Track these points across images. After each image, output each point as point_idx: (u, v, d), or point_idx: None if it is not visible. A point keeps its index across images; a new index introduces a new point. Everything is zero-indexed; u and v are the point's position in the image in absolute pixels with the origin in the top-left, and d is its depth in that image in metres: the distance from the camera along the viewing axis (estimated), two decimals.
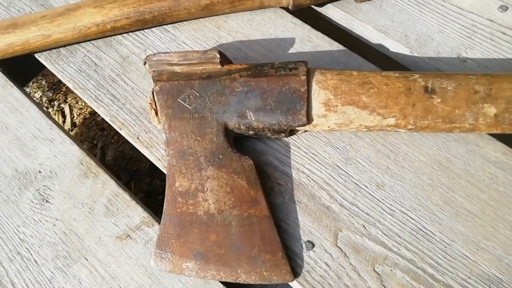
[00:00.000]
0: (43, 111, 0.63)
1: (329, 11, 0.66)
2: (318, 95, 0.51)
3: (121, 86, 0.63)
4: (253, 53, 0.62)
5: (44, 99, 1.26)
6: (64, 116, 1.25)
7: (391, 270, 0.48)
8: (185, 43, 0.64)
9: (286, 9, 0.65)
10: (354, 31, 0.65)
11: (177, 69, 0.54)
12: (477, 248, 0.48)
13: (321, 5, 0.66)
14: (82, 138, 1.20)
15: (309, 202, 0.52)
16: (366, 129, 0.52)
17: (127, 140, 0.59)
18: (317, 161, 0.54)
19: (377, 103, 0.50)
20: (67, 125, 1.23)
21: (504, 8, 0.61)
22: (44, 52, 0.66)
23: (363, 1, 0.64)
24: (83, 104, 1.27)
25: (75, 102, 1.24)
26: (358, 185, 0.52)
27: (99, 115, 0.68)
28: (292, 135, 0.56)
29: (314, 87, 0.51)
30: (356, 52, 0.60)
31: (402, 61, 0.62)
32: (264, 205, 0.50)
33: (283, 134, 0.53)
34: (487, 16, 0.61)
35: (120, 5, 0.62)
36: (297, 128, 0.53)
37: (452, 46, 0.59)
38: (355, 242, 0.49)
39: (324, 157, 0.54)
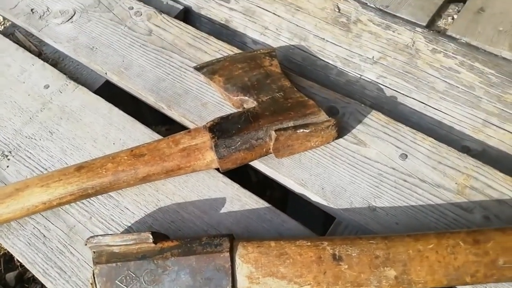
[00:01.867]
0: None
1: (257, 165, 0.74)
2: (242, 269, 0.57)
3: (68, 258, 0.67)
4: (189, 215, 0.69)
5: None
6: None
7: None
8: (127, 208, 0.71)
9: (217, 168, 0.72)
10: (280, 183, 0.73)
11: (115, 249, 0.60)
12: None
13: None
14: None
15: None
16: None
17: None
18: None
19: (293, 273, 0.56)
20: None
21: (403, 157, 0.70)
22: None
23: (284, 156, 0.72)
24: None
25: None
26: None
27: None
28: None
29: (238, 261, 0.57)
30: None
31: (323, 209, 0.69)
32: None
33: None
34: (391, 165, 0.70)
35: (65, 183, 0.68)
36: None
37: (363, 196, 0.67)
38: None
39: None
